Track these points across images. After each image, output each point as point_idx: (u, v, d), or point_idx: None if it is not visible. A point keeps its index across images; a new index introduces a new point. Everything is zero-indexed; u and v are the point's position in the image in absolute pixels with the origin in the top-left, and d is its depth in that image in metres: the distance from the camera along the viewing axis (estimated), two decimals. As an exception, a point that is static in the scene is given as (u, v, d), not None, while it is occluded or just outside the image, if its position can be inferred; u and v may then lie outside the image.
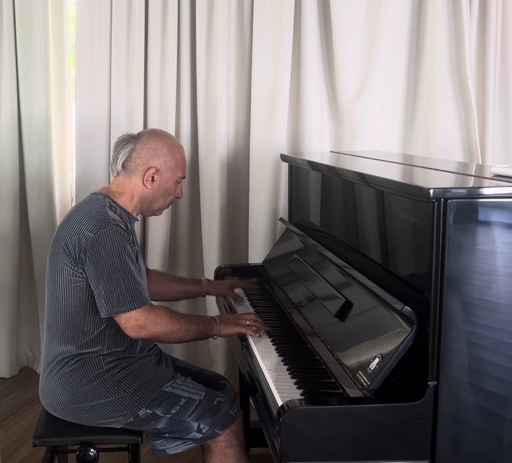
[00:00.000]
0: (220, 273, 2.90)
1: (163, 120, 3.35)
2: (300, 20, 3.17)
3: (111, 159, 2.22)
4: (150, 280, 2.39)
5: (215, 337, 2.17)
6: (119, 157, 2.17)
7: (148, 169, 2.15)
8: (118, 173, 2.19)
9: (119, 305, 1.98)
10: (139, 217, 2.27)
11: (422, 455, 1.59)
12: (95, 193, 2.18)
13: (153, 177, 2.15)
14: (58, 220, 3.61)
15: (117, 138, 2.22)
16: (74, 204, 3.56)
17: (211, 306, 3.23)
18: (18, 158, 3.62)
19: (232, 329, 2.17)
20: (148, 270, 2.44)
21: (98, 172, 3.47)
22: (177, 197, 2.28)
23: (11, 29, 3.50)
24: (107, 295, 1.98)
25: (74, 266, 2.03)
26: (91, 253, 1.99)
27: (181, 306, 3.30)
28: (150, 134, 2.23)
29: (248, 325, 2.18)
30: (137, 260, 2.10)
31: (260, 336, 2.16)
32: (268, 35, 3.19)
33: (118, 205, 2.14)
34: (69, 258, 2.03)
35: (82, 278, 2.04)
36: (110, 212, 2.07)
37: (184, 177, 2.25)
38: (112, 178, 2.23)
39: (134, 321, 2.00)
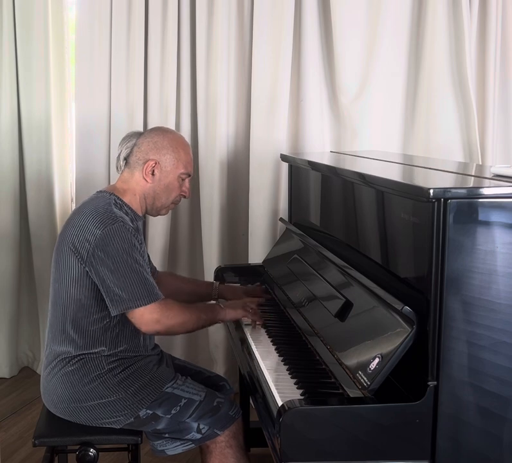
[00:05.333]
0: (220, 273, 2.90)
1: (163, 120, 3.35)
2: (300, 20, 3.17)
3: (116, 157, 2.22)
4: (162, 282, 2.36)
5: (222, 321, 2.25)
6: (122, 153, 2.17)
7: (147, 161, 2.14)
8: (122, 169, 2.19)
9: (132, 300, 1.98)
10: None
11: (422, 455, 1.59)
12: (100, 191, 2.18)
13: (153, 170, 2.14)
14: (58, 220, 3.61)
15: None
16: (75, 204, 3.57)
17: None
18: (18, 158, 3.62)
19: (238, 313, 2.24)
20: (155, 270, 2.44)
21: (98, 172, 3.47)
22: (184, 196, 2.24)
23: (11, 29, 3.50)
24: (119, 292, 1.97)
25: (81, 265, 2.02)
26: (100, 251, 1.98)
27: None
28: (153, 130, 2.24)
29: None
30: (144, 258, 2.09)
31: (260, 325, 2.27)
32: (268, 35, 3.19)
33: (124, 203, 2.13)
34: (76, 257, 2.02)
35: (88, 277, 2.03)
36: (116, 209, 2.06)
37: (189, 175, 2.22)
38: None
39: (149, 315, 2.00)
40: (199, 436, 2.05)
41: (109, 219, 2.01)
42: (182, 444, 2.08)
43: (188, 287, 2.55)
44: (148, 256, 2.32)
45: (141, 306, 1.99)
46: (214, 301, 2.57)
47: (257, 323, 2.28)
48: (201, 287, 2.58)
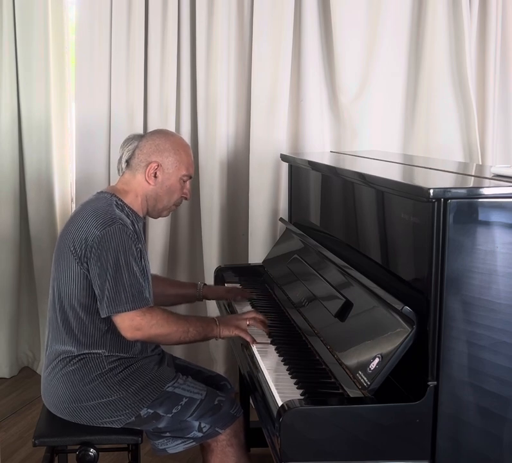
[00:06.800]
0: (220, 273, 2.90)
1: (163, 120, 3.35)
2: (300, 20, 3.17)
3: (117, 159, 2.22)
4: None
5: (217, 338, 2.14)
6: (124, 155, 2.18)
7: (149, 164, 2.14)
8: (123, 171, 2.19)
9: (118, 304, 1.97)
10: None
11: (422, 455, 1.59)
12: (101, 192, 2.18)
13: (155, 173, 2.14)
14: (59, 220, 3.61)
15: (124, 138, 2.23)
16: (75, 204, 3.57)
17: (211, 306, 3.23)
18: (18, 158, 3.62)
19: (232, 332, 2.12)
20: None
21: (98, 172, 3.47)
22: (184, 198, 2.25)
23: (11, 29, 3.50)
24: (108, 294, 1.97)
25: (79, 265, 2.02)
26: (96, 251, 1.98)
27: (181, 306, 3.30)
28: (154, 132, 2.24)
29: (248, 325, 2.15)
30: (142, 260, 2.09)
31: (257, 343, 2.10)
32: (268, 35, 3.19)
33: (125, 203, 2.13)
34: (74, 257, 2.02)
35: (86, 277, 2.02)
36: (117, 210, 2.06)
37: (190, 177, 2.23)
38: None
39: (129, 322, 1.99)
40: (200, 434, 2.06)
41: (108, 220, 2.01)
42: (183, 442, 2.08)
43: (172, 289, 2.54)
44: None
45: (123, 311, 1.98)
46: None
47: (257, 341, 2.11)
48: (185, 289, 2.58)
